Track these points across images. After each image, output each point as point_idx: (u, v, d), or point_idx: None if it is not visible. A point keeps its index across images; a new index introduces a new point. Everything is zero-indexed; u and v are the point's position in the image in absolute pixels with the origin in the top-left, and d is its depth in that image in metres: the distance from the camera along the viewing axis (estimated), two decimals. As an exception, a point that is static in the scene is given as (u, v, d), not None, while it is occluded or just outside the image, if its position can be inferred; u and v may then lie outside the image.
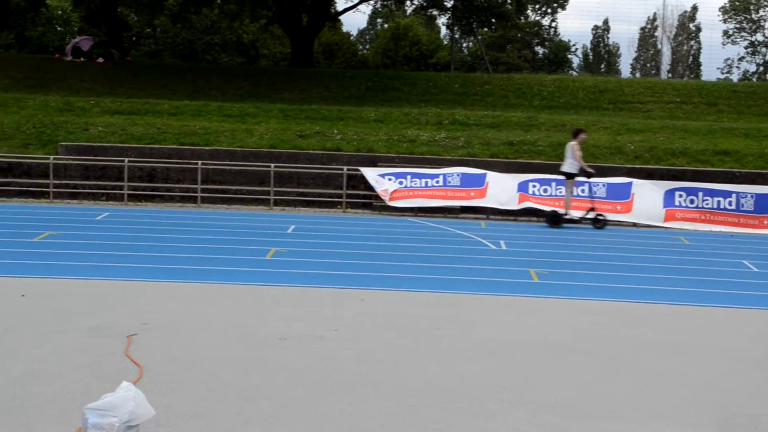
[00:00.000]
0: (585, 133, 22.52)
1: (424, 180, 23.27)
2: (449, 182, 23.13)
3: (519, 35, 76.33)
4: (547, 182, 23.03)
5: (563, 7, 79.56)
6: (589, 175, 21.34)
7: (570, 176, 21.37)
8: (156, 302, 11.28)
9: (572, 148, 21.24)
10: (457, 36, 55.33)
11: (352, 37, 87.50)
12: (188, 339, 9.42)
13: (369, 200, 23.62)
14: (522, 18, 53.53)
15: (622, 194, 22.85)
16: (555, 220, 21.36)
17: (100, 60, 41.72)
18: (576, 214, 21.58)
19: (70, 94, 33.76)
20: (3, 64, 39.25)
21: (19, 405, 7.12)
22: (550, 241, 19.03)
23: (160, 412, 6.34)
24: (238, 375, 8.13)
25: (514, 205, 22.68)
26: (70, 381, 7.76)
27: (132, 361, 8.40)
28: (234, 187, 24.00)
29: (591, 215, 21.44)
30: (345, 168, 23.66)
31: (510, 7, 48.80)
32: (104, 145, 25.19)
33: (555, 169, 22.75)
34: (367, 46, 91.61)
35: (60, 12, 77.98)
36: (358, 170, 23.76)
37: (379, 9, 56.00)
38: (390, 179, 23.32)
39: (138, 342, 9.14)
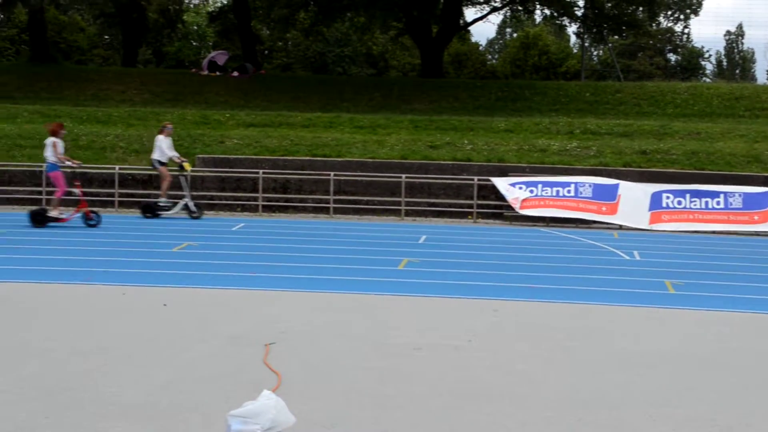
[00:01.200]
0: None
1: (555, 189, 23.09)
2: (581, 193, 22.88)
3: (651, 42, 74.98)
4: (681, 194, 22.57)
5: (696, 13, 77.71)
6: None
7: None
8: (292, 311, 11.47)
9: None
10: (587, 44, 54.67)
11: (481, 47, 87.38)
12: (324, 348, 9.55)
13: (500, 210, 23.56)
14: (654, 25, 52.58)
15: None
16: None
17: (235, 74, 42.63)
18: None
19: (206, 108, 34.65)
20: (142, 79, 40.49)
21: (164, 412, 7.32)
22: (686, 252, 18.66)
23: (299, 420, 6.44)
24: (374, 384, 8.21)
25: (645, 224, 22.27)
26: (212, 388, 7.93)
27: (270, 370, 8.55)
28: (365, 198, 24.23)
29: None
30: (475, 178, 23.66)
31: (642, 14, 48.03)
32: (239, 157, 25.74)
33: (690, 179, 22.38)
34: (496, 56, 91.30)
35: (195, 27, 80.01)
36: (489, 180, 23.73)
37: (509, 19, 55.68)
38: (521, 188, 23.21)
39: (276, 350, 9.31)
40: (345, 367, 8.78)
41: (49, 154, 19.88)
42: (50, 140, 19.87)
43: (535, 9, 49.35)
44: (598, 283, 14.35)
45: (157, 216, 21.87)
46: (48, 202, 21.64)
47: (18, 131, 27.99)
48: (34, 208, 20.91)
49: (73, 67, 48.23)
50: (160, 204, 22.00)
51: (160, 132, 22.30)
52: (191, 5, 55.42)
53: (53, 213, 19.92)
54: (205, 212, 22.96)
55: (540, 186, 23.21)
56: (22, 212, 21.44)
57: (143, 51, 67.69)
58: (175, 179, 22.23)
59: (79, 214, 19.91)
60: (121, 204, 24.02)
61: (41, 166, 23.42)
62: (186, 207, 22.00)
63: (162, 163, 22.07)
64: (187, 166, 22.29)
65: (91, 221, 19.84)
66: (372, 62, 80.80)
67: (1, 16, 68.90)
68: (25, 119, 30.72)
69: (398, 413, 7.42)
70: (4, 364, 8.55)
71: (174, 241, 17.81)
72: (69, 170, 20.32)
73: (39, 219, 19.74)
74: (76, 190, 20.07)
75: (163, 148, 21.98)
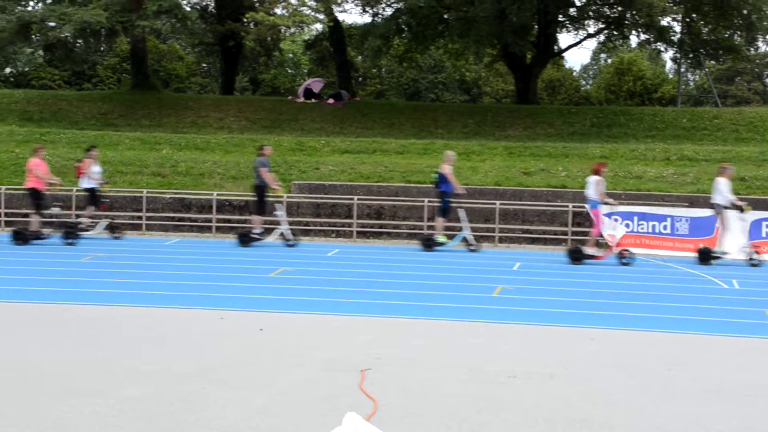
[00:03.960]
0: None
1: (651, 223, 22.74)
2: (677, 229, 22.52)
3: (749, 67, 73.68)
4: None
5: (796, 37, 76.22)
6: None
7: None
8: (386, 337, 11.54)
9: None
10: (683, 69, 53.96)
11: (574, 73, 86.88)
12: (420, 374, 9.59)
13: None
14: (752, 49, 51.62)
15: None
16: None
17: (330, 101, 43.05)
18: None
19: (302, 135, 35.11)
20: (239, 106, 41.16)
21: (262, 434, 7.46)
22: (788, 281, 18.28)
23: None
24: (471, 411, 8.22)
25: (743, 257, 21.77)
26: (309, 413, 8.03)
27: (366, 396, 8.63)
28: (459, 225, 24.24)
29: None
30: (570, 205, 23.54)
31: (740, 38, 47.26)
32: (334, 183, 26.00)
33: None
34: (590, 82, 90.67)
35: (291, 55, 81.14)
36: (584, 207, 23.55)
37: (603, 45, 55.27)
38: (616, 219, 22.97)
39: (371, 376, 9.38)
40: (441, 393, 8.81)
41: (591, 192, 20.50)
42: (593, 179, 20.51)
43: (630, 34, 48.88)
44: (696, 312, 14.14)
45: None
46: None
47: (120, 158, 28.70)
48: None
49: (173, 95, 49.24)
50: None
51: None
52: (288, 34, 56.04)
53: (590, 251, 20.47)
54: (300, 238, 23.21)
55: (636, 219, 22.89)
56: (125, 237, 22.10)
57: (240, 78, 68.78)
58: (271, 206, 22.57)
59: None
60: (218, 229, 24.44)
61: (141, 192, 24.04)
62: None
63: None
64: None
65: None
66: (465, 89, 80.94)
67: (104, 45, 70.69)
68: (126, 146, 31.49)
69: (494, 441, 7.43)
70: (107, 387, 8.77)
71: (271, 267, 18.06)
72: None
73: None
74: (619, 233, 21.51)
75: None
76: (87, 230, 22.41)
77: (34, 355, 10.06)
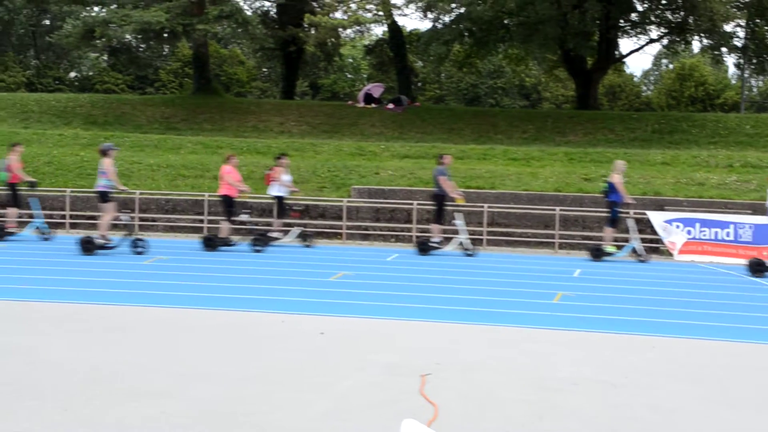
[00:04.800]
0: None
1: (713, 230, 22.51)
2: (740, 236, 22.26)
3: (815, 72, 72.57)
4: None
5: None
6: None
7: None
8: (446, 343, 11.54)
9: None
10: (747, 75, 53.30)
11: (635, 79, 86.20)
12: (480, 380, 9.60)
13: (656, 245, 23.17)
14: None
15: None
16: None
17: (390, 106, 43.10)
18: None
19: (361, 139, 35.23)
20: (300, 111, 41.41)
21: (324, 438, 7.52)
22: None
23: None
24: (532, 418, 8.21)
25: None
26: (370, 418, 8.07)
27: (427, 401, 8.65)
28: (519, 230, 24.19)
29: None
30: (631, 212, 23.35)
31: (806, 43, 46.61)
32: (393, 188, 26.06)
33: None
34: (651, 87, 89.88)
35: (350, 60, 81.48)
36: (645, 214, 23.39)
37: (665, 50, 54.78)
38: (678, 226, 22.77)
39: (432, 381, 9.40)
40: (501, 399, 8.81)
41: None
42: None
43: (692, 39, 48.41)
44: (759, 321, 13.97)
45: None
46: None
47: (182, 161, 29.04)
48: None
49: (234, 100, 49.67)
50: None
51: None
52: (348, 37, 56.29)
53: None
54: (359, 242, 23.29)
55: (698, 226, 22.67)
56: (186, 239, 22.29)
57: (299, 83, 69.19)
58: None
59: None
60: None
61: (203, 196, 24.28)
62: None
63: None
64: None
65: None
66: (525, 94, 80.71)
67: (166, 48, 71.62)
68: (189, 150, 31.85)
69: (555, 448, 7.41)
70: (174, 388, 8.90)
71: (331, 271, 18.17)
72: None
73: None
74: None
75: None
76: (277, 239, 22.52)
77: (109, 357, 10.23)
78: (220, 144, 32.65)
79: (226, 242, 21.42)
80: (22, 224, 22.88)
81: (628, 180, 26.41)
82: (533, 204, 24.53)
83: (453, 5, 43.85)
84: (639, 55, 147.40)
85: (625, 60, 62.40)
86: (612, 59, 48.54)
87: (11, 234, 22.39)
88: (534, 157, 30.69)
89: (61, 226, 24.97)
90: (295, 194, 23.58)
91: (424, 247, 21.85)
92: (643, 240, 23.25)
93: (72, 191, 25.46)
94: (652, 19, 46.41)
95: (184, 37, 44.53)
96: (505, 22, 43.31)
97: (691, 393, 9.36)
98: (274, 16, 52.53)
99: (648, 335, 12.37)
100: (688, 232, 22.70)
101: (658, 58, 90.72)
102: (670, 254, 22.74)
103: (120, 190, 20.87)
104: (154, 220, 25.30)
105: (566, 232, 23.83)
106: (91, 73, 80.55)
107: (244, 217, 22.24)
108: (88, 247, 19.80)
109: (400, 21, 52.78)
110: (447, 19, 45.79)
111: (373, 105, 43.82)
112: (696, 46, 55.96)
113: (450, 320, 13.14)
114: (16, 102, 41.05)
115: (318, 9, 46.55)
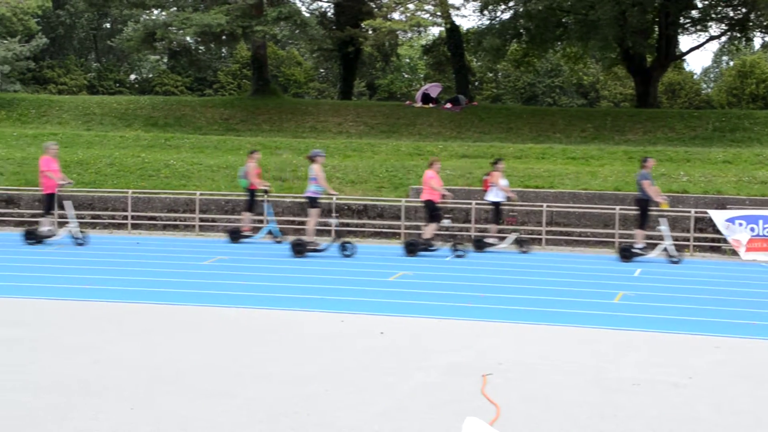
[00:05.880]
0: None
1: None
2: None
3: None
4: None
5: None
6: None
7: None
8: (508, 343, 11.54)
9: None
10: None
11: (695, 76, 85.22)
12: (542, 380, 9.57)
13: (717, 244, 22.93)
14: None
15: None
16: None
17: (448, 105, 42.99)
18: None
19: (419, 139, 35.21)
20: (357, 111, 41.47)
21: (386, 437, 7.55)
22: None
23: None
24: (594, 419, 8.17)
25: None
26: (431, 418, 8.08)
27: (489, 401, 8.65)
28: (578, 230, 24.06)
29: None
30: (692, 210, 23.14)
31: None
32: (452, 187, 25.98)
33: None
34: (711, 85, 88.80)
35: (407, 60, 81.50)
36: (706, 213, 23.13)
37: (726, 47, 54.16)
38: (740, 224, 22.49)
39: (493, 382, 9.40)
40: (563, 400, 8.78)
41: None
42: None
43: (753, 36, 47.74)
44: (826, 321, 13.77)
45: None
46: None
47: (241, 163, 29.17)
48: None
49: (292, 101, 49.89)
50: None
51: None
52: (406, 38, 56.31)
53: None
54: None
55: (761, 222, 22.37)
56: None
57: (357, 83, 69.37)
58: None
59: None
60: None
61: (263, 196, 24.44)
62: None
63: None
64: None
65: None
66: (583, 92, 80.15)
67: (225, 50, 72.22)
68: (248, 151, 32.01)
69: (618, 449, 7.37)
70: (230, 387, 8.99)
71: (390, 271, 18.21)
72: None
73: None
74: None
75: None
76: (494, 245, 22.53)
77: (173, 356, 10.37)
78: (278, 145, 32.80)
79: (427, 246, 21.40)
80: (255, 229, 23.65)
81: (689, 179, 26.18)
82: (592, 203, 24.37)
83: (510, 3, 43.76)
84: (699, 53, 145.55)
85: (684, 57, 61.72)
86: (672, 57, 48.00)
87: (246, 237, 23.20)
88: (593, 156, 30.48)
89: (123, 227, 25.30)
90: (513, 200, 23.25)
91: (627, 254, 21.35)
92: (704, 239, 23.03)
93: (133, 192, 25.76)
94: (713, 15, 45.84)
95: (243, 38, 44.83)
96: (563, 20, 43.05)
97: (757, 395, 9.25)
98: (332, 16, 52.70)
99: (711, 335, 12.25)
100: (752, 230, 22.42)
101: (718, 56, 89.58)
102: (734, 253, 22.45)
103: (330, 194, 21.84)
104: (213, 220, 25.53)
105: (626, 231, 23.62)
106: (150, 76, 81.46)
107: (446, 223, 22.33)
108: (299, 249, 20.54)
109: (458, 21, 52.63)
110: (504, 16, 45.71)
111: (431, 105, 43.74)
112: (757, 42, 55.30)
113: (510, 320, 13.11)
114: (79, 104, 41.60)
115: (375, 9, 46.60)
